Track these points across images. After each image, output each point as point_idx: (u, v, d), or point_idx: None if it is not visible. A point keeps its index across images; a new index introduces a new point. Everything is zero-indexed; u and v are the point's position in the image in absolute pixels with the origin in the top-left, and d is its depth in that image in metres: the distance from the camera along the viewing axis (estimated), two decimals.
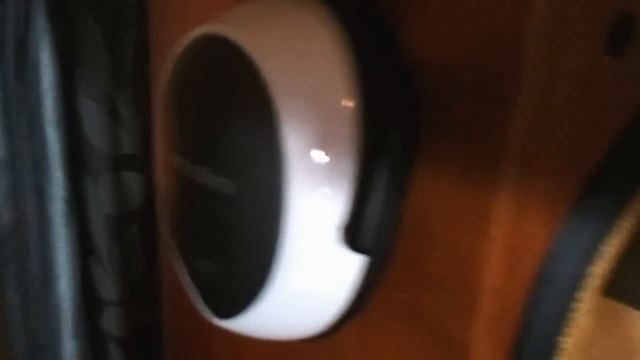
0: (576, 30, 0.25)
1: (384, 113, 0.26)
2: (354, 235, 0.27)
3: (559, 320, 0.29)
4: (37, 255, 0.65)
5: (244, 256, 0.27)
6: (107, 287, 0.65)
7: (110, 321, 0.67)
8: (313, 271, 0.28)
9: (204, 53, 0.29)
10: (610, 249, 0.28)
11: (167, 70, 0.32)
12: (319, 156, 0.26)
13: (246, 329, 0.28)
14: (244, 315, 0.28)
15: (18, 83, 0.60)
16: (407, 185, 0.28)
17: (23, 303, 0.67)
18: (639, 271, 0.34)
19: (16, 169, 0.62)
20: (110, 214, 0.62)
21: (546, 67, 0.25)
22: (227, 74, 0.29)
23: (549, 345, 0.29)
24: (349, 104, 0.26)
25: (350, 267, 0.28)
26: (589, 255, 0.28)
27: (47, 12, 0.58)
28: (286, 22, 0.29)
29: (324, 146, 0.27)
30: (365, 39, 0.26)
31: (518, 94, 0.25)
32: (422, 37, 0.26)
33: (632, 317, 0.34)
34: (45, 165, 0.62)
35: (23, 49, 0.58)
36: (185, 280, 0.32)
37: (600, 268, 0.28)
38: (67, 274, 0.66)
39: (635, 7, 0.26)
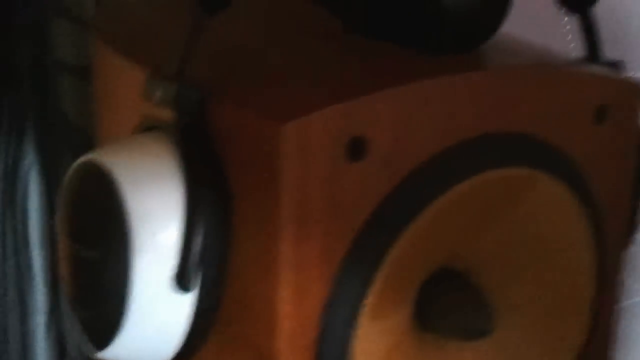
0: (321, 147, 0.36)
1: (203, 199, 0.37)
2: (181, 278, 0.38)
3: (343, 344, 0.39)
4: None
5: (105, 307, 0.38)
6: None
7: None
8: (156, 315, 0.39)
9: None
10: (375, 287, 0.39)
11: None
12: (160, 238, 0.38)
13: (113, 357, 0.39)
14: (108, 348, 0.38)
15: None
16: (225, 239, 0.38)
17: None
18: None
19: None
20: None
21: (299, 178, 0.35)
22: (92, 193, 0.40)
23: None
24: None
25: (185, 308, 0.39)
26: (361, 292, 0.39)
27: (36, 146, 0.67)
28: (145, 153, 0.39)
29: (162, 229, 0.38)
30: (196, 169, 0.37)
31: (280, 196, 0.36)
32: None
33: None
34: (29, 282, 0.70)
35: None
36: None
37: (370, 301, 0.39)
38: None
39: (365, 132, 0.37)
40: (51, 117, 0.69)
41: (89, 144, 0.47)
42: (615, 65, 0.47)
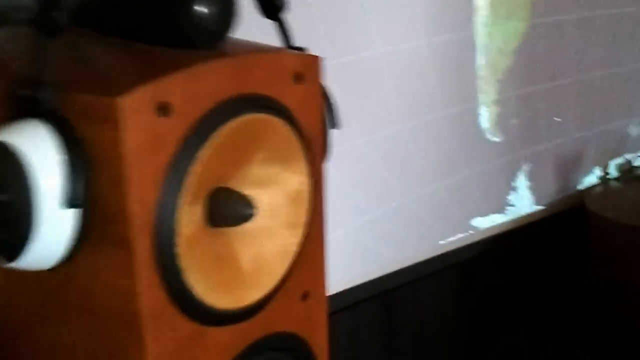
0: (142, 109, 0.62)
1: None
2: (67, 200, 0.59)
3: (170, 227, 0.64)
4: None
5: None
6: None
7: None
8: (51, 229, 0.59)
9: None
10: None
11: None
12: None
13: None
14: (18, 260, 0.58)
15: None
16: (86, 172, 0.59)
17: None
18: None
19: None
20: None
21: (132, 127, 0.62)
22: None
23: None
24: None
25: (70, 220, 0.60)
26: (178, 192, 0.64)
27: None
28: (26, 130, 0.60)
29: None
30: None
31: (121, 137, 0.61)
32: None
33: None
34: None
35: None
36: None
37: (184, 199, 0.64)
38: None
39: (167, 99, 0.65)
40: None
41: None
42: (302, 49, 0.77)
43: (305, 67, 0.73)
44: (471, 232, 1.64)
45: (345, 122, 1.40)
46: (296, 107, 0.73)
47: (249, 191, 0.71)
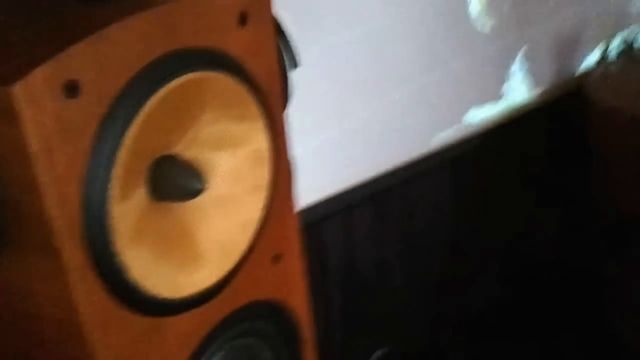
0: (45, 92, 0.50)
1: None
2: None
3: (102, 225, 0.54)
4: None
5: None
6: None
7: None
8: None
9: None
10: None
11: None
12: None
13: None
14: None
15: None
16: None
17: None
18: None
19: None
20: None
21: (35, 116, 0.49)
22: None
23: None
24: None
25: None
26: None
27: None
28: None
29: None
30: None
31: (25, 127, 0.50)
32: None
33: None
34: None
35: None
36: None
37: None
38: None
39: (75, 76, 0.50)
40: None
41: None
42: None
43: (250, 5, 0.61)
44: (464, 126, 1.55)
45: (322, 18, 1.29)
46: (244, 53, 0.61)
47: (200, 156, 0.61)
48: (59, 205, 0.50)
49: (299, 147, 1.33)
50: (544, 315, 1.70)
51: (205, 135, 0.61)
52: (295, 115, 1.21)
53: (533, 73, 1.61)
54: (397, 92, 1.43)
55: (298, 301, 0.74)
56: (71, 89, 0.49)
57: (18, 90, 0.46)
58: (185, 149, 0.60)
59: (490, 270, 1.73)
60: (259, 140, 0.64)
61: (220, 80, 0.59)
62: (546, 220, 1.79)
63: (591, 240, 1.70)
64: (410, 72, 1.43)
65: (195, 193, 0.59)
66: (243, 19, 0.61)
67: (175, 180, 0.59)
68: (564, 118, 1.67)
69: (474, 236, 1.68)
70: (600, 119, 1.50)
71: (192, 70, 0.57)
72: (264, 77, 0.63)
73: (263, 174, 0.65)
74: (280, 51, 0.67)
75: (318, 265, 1.50)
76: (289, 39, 0.68)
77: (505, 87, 1.59)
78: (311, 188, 1.36)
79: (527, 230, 1.77)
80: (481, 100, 1.57)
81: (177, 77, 0.55)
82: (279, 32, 0.67)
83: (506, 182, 1.68)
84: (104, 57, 0.51)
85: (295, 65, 0.68)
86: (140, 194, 0.57)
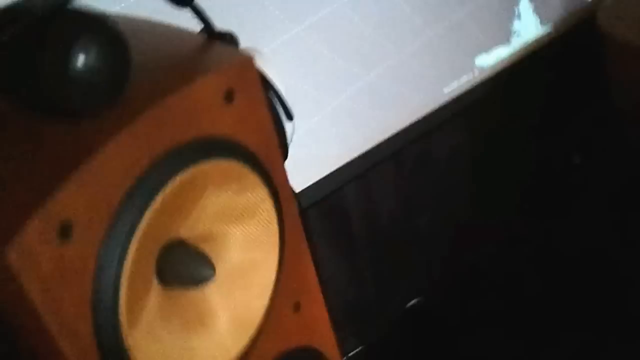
0: (39, 243, 0.49)
1: None
2: None
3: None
4: None
5: None
6: None
7: None
8: None
9: None
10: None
11: None
12: None
13: None
14: None
15: None
16: None
17: None
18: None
19: None
20: None
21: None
22: None
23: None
24: None
25: None
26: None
27: None
28: None
29: None
30: None
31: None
32: None
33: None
34: None
35: None
36: None
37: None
38: None
39: (68, 217, 0.47)
40: None
41: None
42: (225, 35, 0.61)
43: (235, 80, 0.58)
44: (476, 72, 1.50)
45: None
46: (235, 128, 0.59)
47: (207, 233, 0.60)
48: (72, 345, 0.50)
49: (315, 117, 1.32)
50: (564, 251, 1.70)
51: (209, 213, 0.60)
52: (304, 87, 1.18)
53: (542, 8, 1.54)
54: (404, 50, 1.39)
55: (326, 343, 0.74)
56: (65, 232, 0.48)
57: (11, 251, 0.45)
58: (190, 231, 0.59)
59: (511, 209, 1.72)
60: (264, 206, 0.63)
61: (217, 165, 0.57)
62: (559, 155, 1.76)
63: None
64: (414, 28, 1.38)
65: (205, 280, 0.59)
66: (229, 96, 0.58)
67: (183, 269, 0.58)
68: (577, 52, 1.61)
69: (493, 181, 1.67)
70: (615, 49, 1.44)
71: (187, 167, 0.55)
72: (259, 145, 0.61)
73: (273, 235, 0.64)
74: (273, 106, 0.65)
75: (345, 226, 1.51)
76: (279, 92, 0.65)
77: (514, 26, 1.52)
78: (328, 157, 1.36)
79: (543, 165, 1.75)
80: (491, 44, 1.51)
81: (170, 180, 0.54)
82: (268, 87, 0.64)
83: (522, 122, 1.65)
84: (94, 187, 0.49)
85: (290, 117, 0.66)
86: (149, 282, 0.56)
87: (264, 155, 0.62)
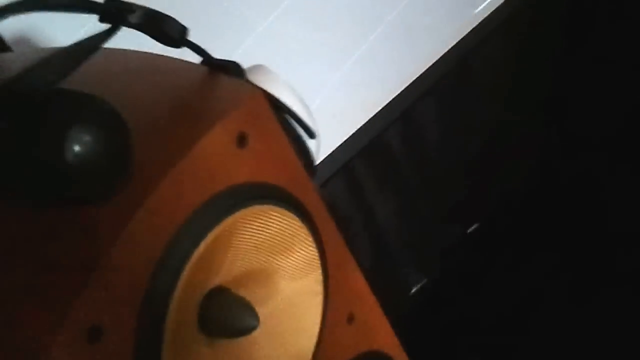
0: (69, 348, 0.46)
1: None
2: None
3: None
4: None
5: None
6: None
7: None
8: None
9: None
10: None
11: None
12: None
13: None
14: None
15: None
16: None
17: None
18: None
19: None
20: None
21: None
22: None
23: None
24: None
25: None
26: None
27: None
28: None
29: None
30: None
31: None
32: None
33: None
34: None
35: None
36: None
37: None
38: None
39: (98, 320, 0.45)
40: None
41: None
42: (228, 65, 0.57)
43: (246, 123, 0.54)
44: (478, 11, 1.42)
45: None
46: (253, 169, 0.55)
47: (248, 273, 0.58)
48: None
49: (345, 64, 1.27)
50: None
51: (244, 257, 0.57)
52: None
53: None
54: (398, 6, 1.32)
55: (388, 344, 0.73)
56: (95, 336, 0.46)
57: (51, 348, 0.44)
58: (227, 277, 0.57)
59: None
60: (299, 236, 0.60)
61: (240, 215, 0.54)
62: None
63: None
64: None
65: (249, 330, 0.57)
66: (242, 142, 0.54)
67: (226, 321, 0.56)
68: None
69: (511, 118, 1.62)
70: None
71: (210, 229, 0.52)
72: (282, 177, 0.58)
73: (314, 260, 0.62)
74: (293, 128, 0.60)
75: (395, 166, 1.49)
76: (296, 112, 0.60)
77: None
78: (365, 102, 1.33)
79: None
80: None
81: (195, 251, 0.51)
82: (284, 110, 0.60)
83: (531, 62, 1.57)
84: (116, 280, 0.47)
85: (312, 135, 0.62)
86: (192, 331, 0.54)
87: (291, 185, 0.58)
